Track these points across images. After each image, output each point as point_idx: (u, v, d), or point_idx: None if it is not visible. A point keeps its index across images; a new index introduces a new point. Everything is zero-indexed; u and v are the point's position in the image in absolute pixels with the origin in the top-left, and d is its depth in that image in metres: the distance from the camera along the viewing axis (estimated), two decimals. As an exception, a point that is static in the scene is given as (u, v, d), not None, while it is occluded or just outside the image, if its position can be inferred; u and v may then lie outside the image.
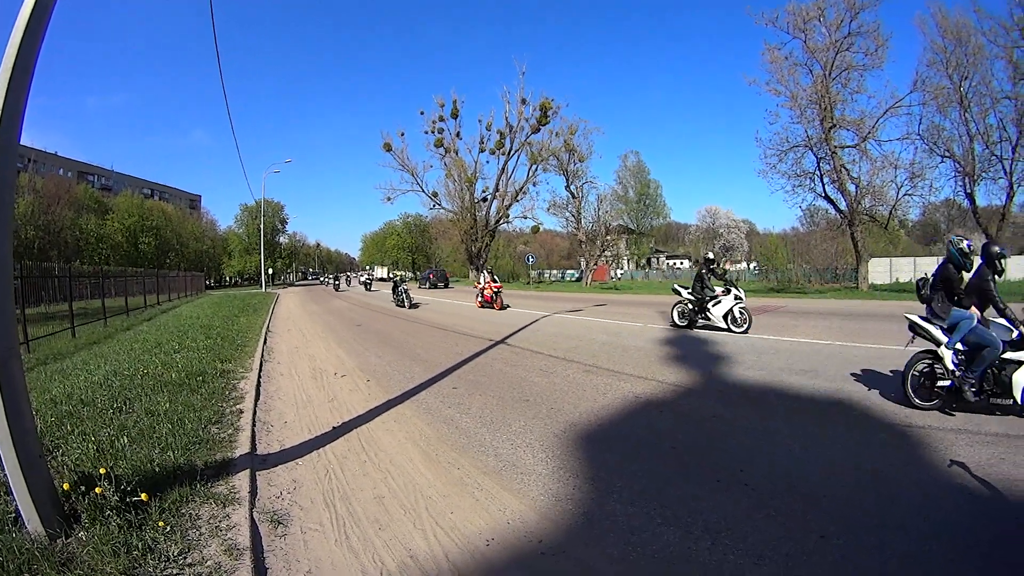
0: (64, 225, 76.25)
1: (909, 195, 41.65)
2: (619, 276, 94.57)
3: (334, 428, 8.61)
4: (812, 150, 42.96)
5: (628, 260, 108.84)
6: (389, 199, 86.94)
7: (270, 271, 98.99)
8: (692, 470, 6.38)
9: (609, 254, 79.88)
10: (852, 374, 11.09)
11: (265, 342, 18.87)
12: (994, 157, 39.38)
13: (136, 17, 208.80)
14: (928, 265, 66.51)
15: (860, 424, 8.07)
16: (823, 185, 43.31)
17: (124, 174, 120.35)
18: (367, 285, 64.34)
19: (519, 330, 19.85)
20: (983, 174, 39.97)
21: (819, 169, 43.03)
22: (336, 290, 45.93)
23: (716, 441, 7.45)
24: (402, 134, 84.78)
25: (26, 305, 18.73)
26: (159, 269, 60.30)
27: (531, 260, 79.51)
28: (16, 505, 4.74)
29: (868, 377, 10.82)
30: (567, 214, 75.68)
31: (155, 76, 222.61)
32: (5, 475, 4.79)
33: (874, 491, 5.68)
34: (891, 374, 10.91)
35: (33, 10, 4.79)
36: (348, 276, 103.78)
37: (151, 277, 42.54)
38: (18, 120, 4.79)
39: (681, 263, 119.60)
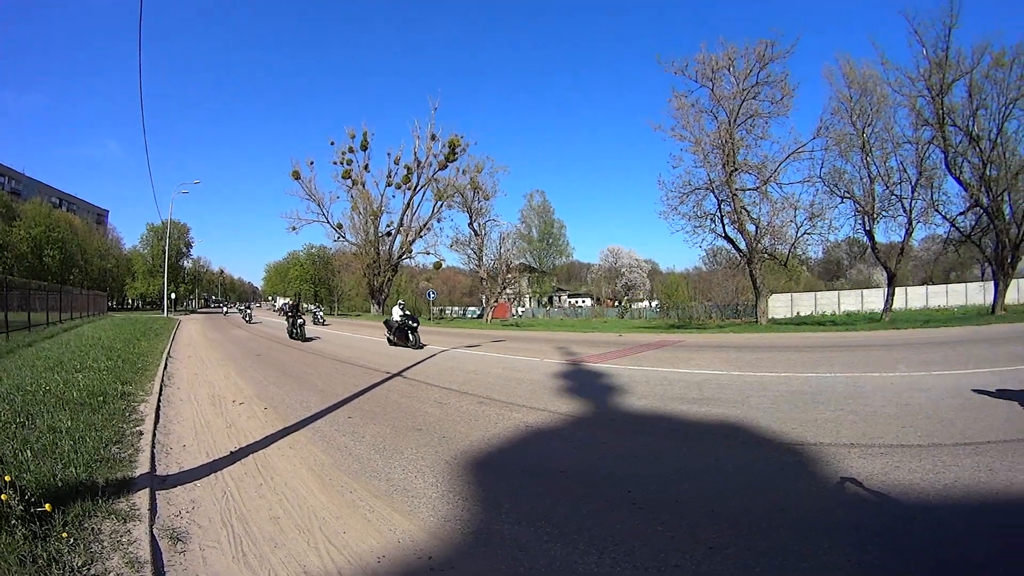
0: (-29, 230, 73.96)
1: (808, 234, 43.24)
2: (520, 314, 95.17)
3: (232, 452, 8.71)
4: (714, 192, 44.16)
5: (530, 298, 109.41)
6: (294, 228, 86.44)
7: (173, 296, 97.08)
8: (580, 492, 6.61)
9: (510, 291, 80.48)
10: (743, 401, 11.51)
11: (166, 367, 18.67)
12: (894, 196, 42.20)
13: (58, 16, 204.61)
14: (829, 300, 68.83)
15: (750, 444, 8.47)
16: (723, 226, 44.59)
17: (35, 179, 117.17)
18: (247, 317, 60.48)
19: (416, 363, 19.97)
20: (883, 212, 42.38)
21: (720, 211, 44.28)
22: (248, 321, 43.89)
23: (605, 465, 7.73)
24: (311, 163, 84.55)
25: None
26: (63, 285, 58.87)
27: (432, 296, 79.69)
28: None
29: (758, 402, 11.28)
30: (469, 251, 76.25)
31: (70, 80, 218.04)
32: None
33: (764, 504, 5.98)
34: (779, 398, 11.50)
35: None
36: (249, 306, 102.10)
37: (55, 293, 41.49)
38: None
39: (583, 301, 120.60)
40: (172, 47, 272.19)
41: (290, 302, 58.93)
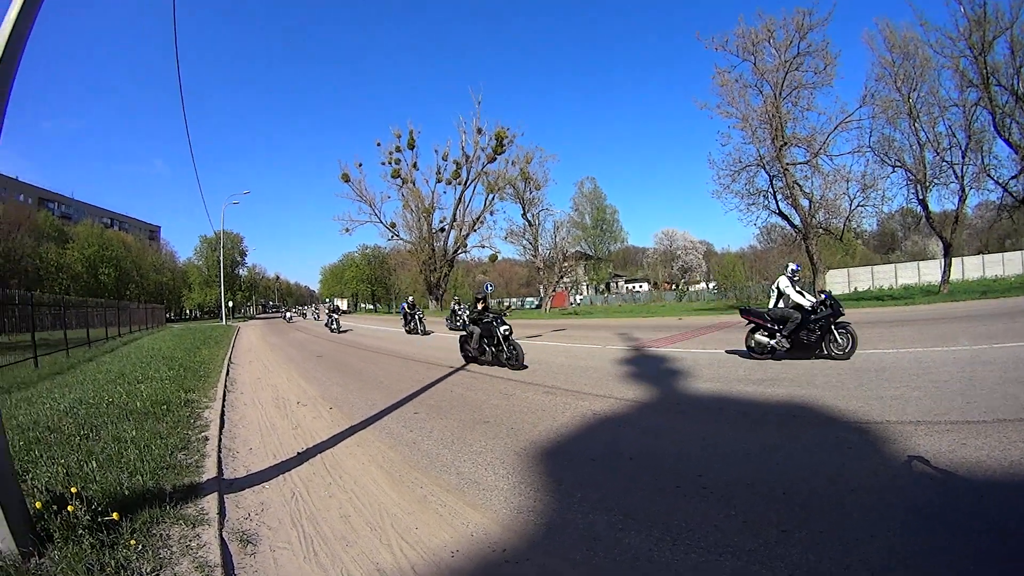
0: (24, 253, 75.51)
1: (862, 206, 42.65)
2: (578, 301, 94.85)
3: (299, 453, 8.68)
4: (764, 168, 43.72)
5: (587, 285, 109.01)
6: (347, 230, 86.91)
7: (230, 304, 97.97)
8: (651, 479, 6.50)
9: (567, 280, 79.99)
10: (808, 380, 11.31)
11: (228, 373, 18.85)
12: (944, 163, 40.81)
13: (97, 43, 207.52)
14: (886, 273, 67.34)
15: (817, 424, 8.28)
16: (776, 202, 44.07)
17: (84, 202, 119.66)
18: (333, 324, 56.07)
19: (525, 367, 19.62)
20: (935, 180, 41.33)
21: (772, 187, 43.76)
22: (336, 330, 43.47)
23: (674, 451, 7.60)
24: (359, 165, 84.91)
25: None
26: (120, 300, 59.65)
27: (490, 288, 79.00)
28: (-12, 522, 4.79)
29: (824, 381, 11.06)
30: (524, 242, 75.53)
31: (115, 103, 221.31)
32: None
33: (833, 486, 5.84)
34: (844, 376, 11.26)
35: (4, 50, 4.90)
36: (303, 309, 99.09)
37: (112, 308, 42.10)
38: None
39: (640, 286, 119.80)
40: (212, 60, 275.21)
41: (328, 305, 58.97)
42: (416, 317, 34.65)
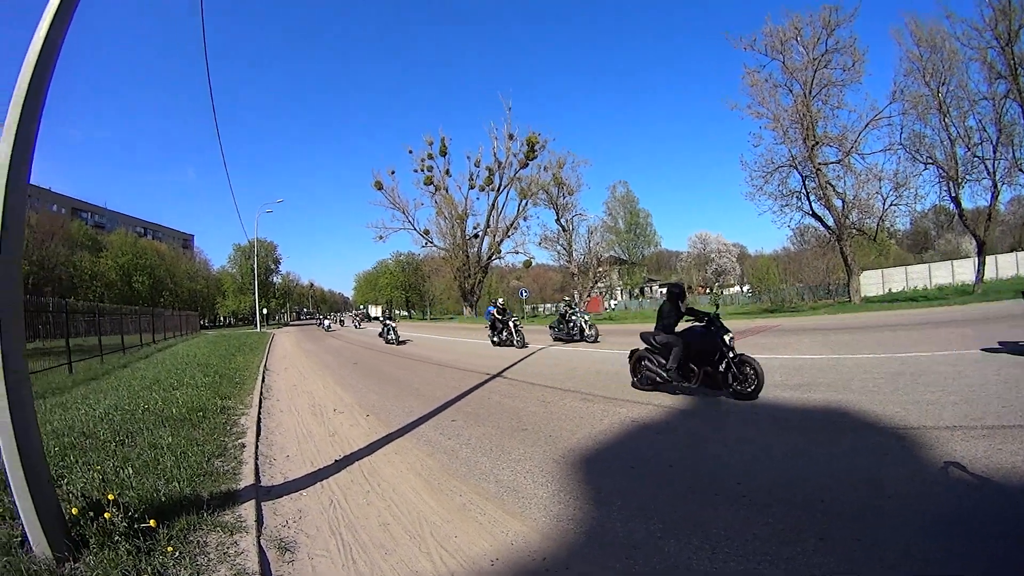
0: (58, 261, 76.55)
1: (895, 205, 41.91)
2: (612, 307, 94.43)
3: (336, 461, 8.67)
4: (797, 169, 43.25)
5: (621, 290, 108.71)
6: (381, 237, 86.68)
7: (264, 311, 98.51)
8: (690, 486, 6.45)
9: (602, 285, 79.68)
10: (844, 385, 11.18)
11: (263, 380, 18.92)
12: (976, 159, 39.95)
13: (128, 54, 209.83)
14: (919, 273, 66.56)
15: (854, 430, 8.18)
16: (810, 203, 43.54)
17: (117, 212, 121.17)
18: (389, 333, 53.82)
19: (515, 363, 19.84)
20: (967, 177, 40.43)
21: (805, 187, 43.23)
22: (395, 340, 42.96)
23: (712, 458, 7.54)
24: (392, 172, 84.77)
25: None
26: (154, 308, 60.16)
27: (524, 295, 78.90)
28: (23, 529, 4.83)
29: (860, 386, 10.91)
30: (558, 247, 75.12)
31: (147, 113, 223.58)
32: (11, 500, 4.93)
33: (871, 493, 5.78)
34: (880, 381, 11.10)
35: (39, 57, 4.92)
36: (339, 317, 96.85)
37: (146, 315, 42.52)
38: (28, 159, 4.91)
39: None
40: (243, 70, 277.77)
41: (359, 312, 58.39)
42: (511, 325, 28.47)
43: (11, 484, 4.65)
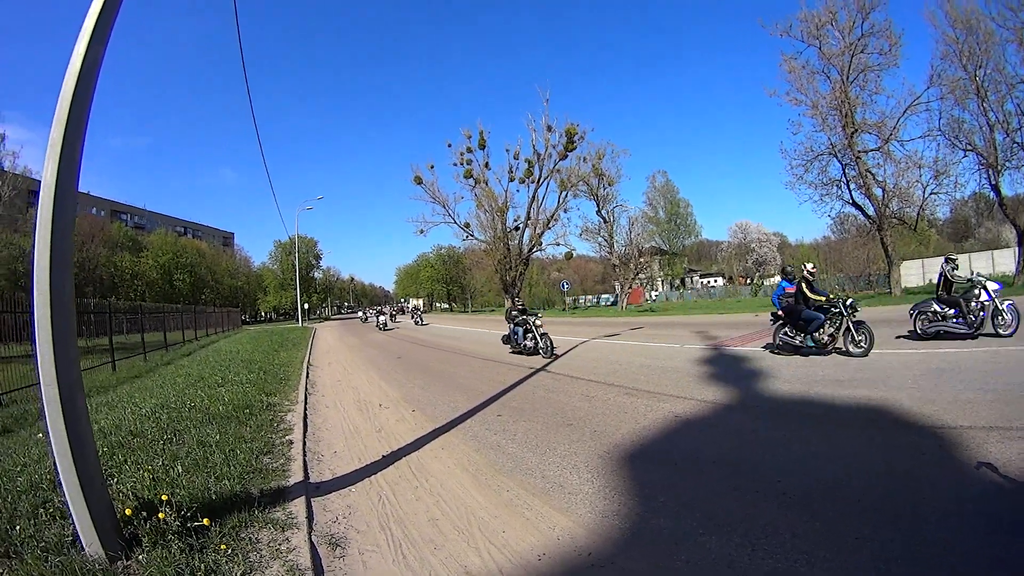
0: (99, 262, 77.74)
1: (935, 194, 41.22)
2: (654, 298, 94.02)
3: (383, 457, 8.74)
4: (836, 157, 42.74)
5: (662, 281, 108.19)
6: (422, 231, 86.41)
7: (306, 306, 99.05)
8: (732, 482, 6.47)
9: (643, 276, 79.25)
10: (884, 381, 11.11)
11: (307, 375, 19.06)
12: (1016, 144, 39.08)
13: (164, 55, 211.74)
14: (960, 264, 65.25)
15: (892, 428, 8.14)
16: (850, 192, 43.02)
17: (157, 212, 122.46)
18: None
19: (558, 357, 19.88)
20: (1006, 163, 39.60)
21: (845, 176, 42.74)
22: (363, 322, 43.83)
23: (754, 454, 7.52)
24: (431, 167, 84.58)
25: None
26: (195, 305, 60.73)
27: (566, 287, 78.67)
28: (74, 528, 4.91)
29: (900, 383, 10.85)
30: (599, 239, 75.01)
31: (184, 114, 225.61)
32: (62, 500, 5.07)
33: (907, 493, 5.77)
34: (920, 378, 11.04)
35: (82, 66, 4.98)
36: (380, 310, 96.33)
37: (188, 313, 42.97)
38: (76, 167, 4.98)
39: (715, 281, 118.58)
40: (282, 69, 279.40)
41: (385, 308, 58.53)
42: (534, 328, 21.23)
43: (64, 485, 4.74)
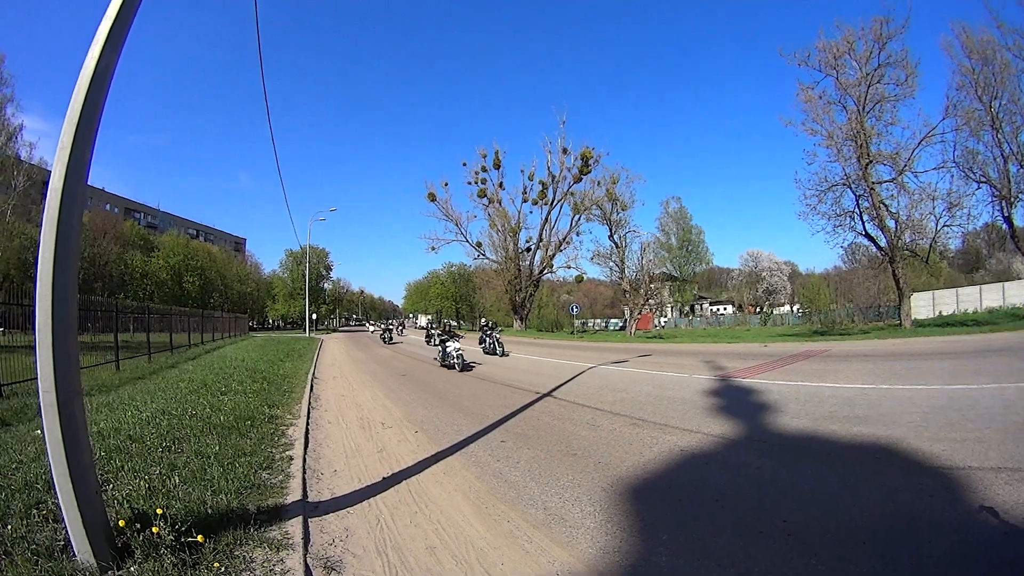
0: (110, 259, 78.70)
1: (948, 226, 41.18)
2: (663, 324, 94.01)
3: (384, 478, 8.66)
4: (851, 188, 42.82)
5: (672, 308, 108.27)
6: (434, 249, 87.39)
7: (314, 316, 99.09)
8: (736, 521, 6.38)
9: (653, 302, 79.29)
10: (893, 419, 10.97)
11: (312, 389, 19.01)
12: None
13: (183, 60, 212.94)
14: (970, 296, 65.33)
15: (900, 469, 8.04)
16: (863, 223, 43.01)
17: (170, 213, 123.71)
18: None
19: (565, 382, 19.68)
20: (1020, 195, 39.58)
21: (858, 207, 42.79)
22: (386, 342, 44.55)
23: (759, 492, 7.43)
24: (446, 184, 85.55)
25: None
26: (203, 309, 60.90)
27: (575, 310, 78.74)
28: (66, 533, 4.89)
29: (909, 420, 10.76)
30: (611, 264, 75.39)
31: (201, 117, 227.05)
32: (55, 501, 5.04)
33: (911, 535, 5.72)
34: (929, 415, 10.94)
35: (97, 64, 4.94)
36: (388, 324, 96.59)
37: (196, 316, 43.09)
38: (84, 171, 4.97)
39: (724, 308, 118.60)
40: (300, 80, 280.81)
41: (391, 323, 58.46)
42: (495, 337, 33.46)
43: (58, 491, 4.72)
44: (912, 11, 39.48)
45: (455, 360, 25.67)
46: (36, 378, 4.69)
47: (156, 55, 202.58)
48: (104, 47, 5.03)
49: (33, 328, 4.78)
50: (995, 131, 39.24)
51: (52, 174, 4.77)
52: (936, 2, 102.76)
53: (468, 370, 25.41)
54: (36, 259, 4.71)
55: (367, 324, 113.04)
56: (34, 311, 4.63)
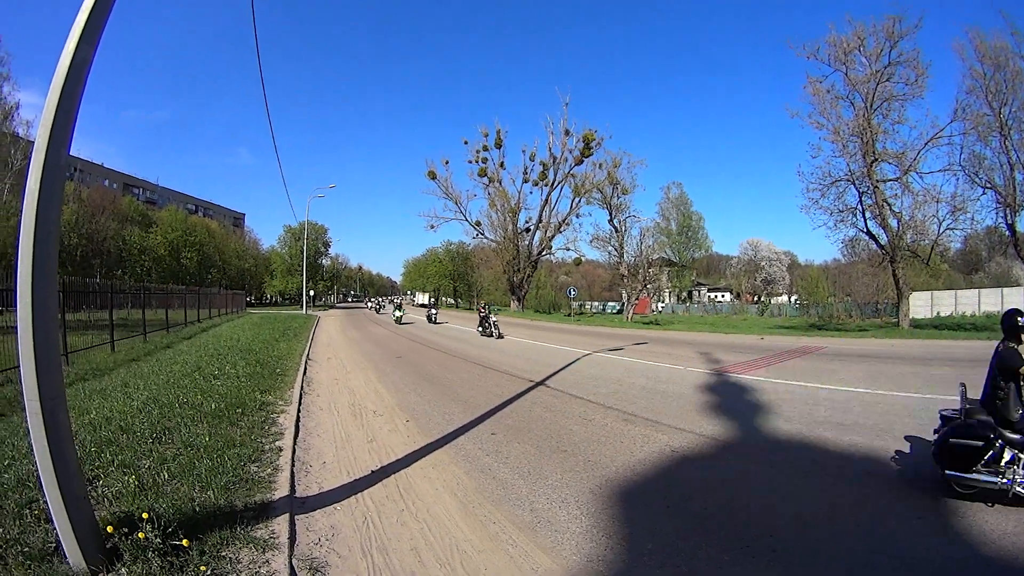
0: (108, 235, 78.47)
1: (951, 229, 40.93)
2: (660, 309, 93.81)
3: (372, 472, 8.64)
4: (854, 184, 42.39)
5: (669, 293, 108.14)
6: (432, 227, 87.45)
7: (311, 292, 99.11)
8: (722, 532, 6.39)
9: (651, 287, 79.24)
10: (887, 429, 10.96)
11: (305, 371, 18.98)
12: None
13: (182, 34, 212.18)
14: (969, 299, 65.23)
15: (893, 484, 8.04)
16: (865, 220, 42.70)
17: (169, 189, 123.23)
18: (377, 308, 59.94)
19: (559, 370, 19.71)
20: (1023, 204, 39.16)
21: (861, 204, 42.39)
22: (398, 323, 46.19)
23: (748, 501, 7.44)
24: (446, 162, 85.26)
25: (66, 311, 19.03)
26: (201, 285, 61.02)
27: (572, 293, 78.76)
28: (57, 535, 4.90)
29: (902, 430, 10.74)
30: (610, 248, 75.18)
31: (201, 93, 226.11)
32: (46, 506, 4.97)
33: (900, 556, 5.73)
34: (925, 427, 10.77)
35: (83, 30, 4.92)
36: (381, 301, 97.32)
37: (192, 294, 43.08)
38: (67, 138, 4.98)
39: (722, 296, 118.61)
40: (300, 52, 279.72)
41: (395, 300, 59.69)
42: (492, 321, 35.87)
43: (47, 497, 4.73)
44: (926, 12, 38.87)
45: (492, 330, 34.36)
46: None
47: (155, 29, 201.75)
48: (79, 41, 4.96)
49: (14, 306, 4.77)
50: (1003, 137, 38.73)
51: (28, 178, 4.81)
52: (950, 5, 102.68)
53: (500, 339, 32.91)
54: (15, 268, 4.69)
55: (366, 301, 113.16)
56: (15, 299, 4.63)
